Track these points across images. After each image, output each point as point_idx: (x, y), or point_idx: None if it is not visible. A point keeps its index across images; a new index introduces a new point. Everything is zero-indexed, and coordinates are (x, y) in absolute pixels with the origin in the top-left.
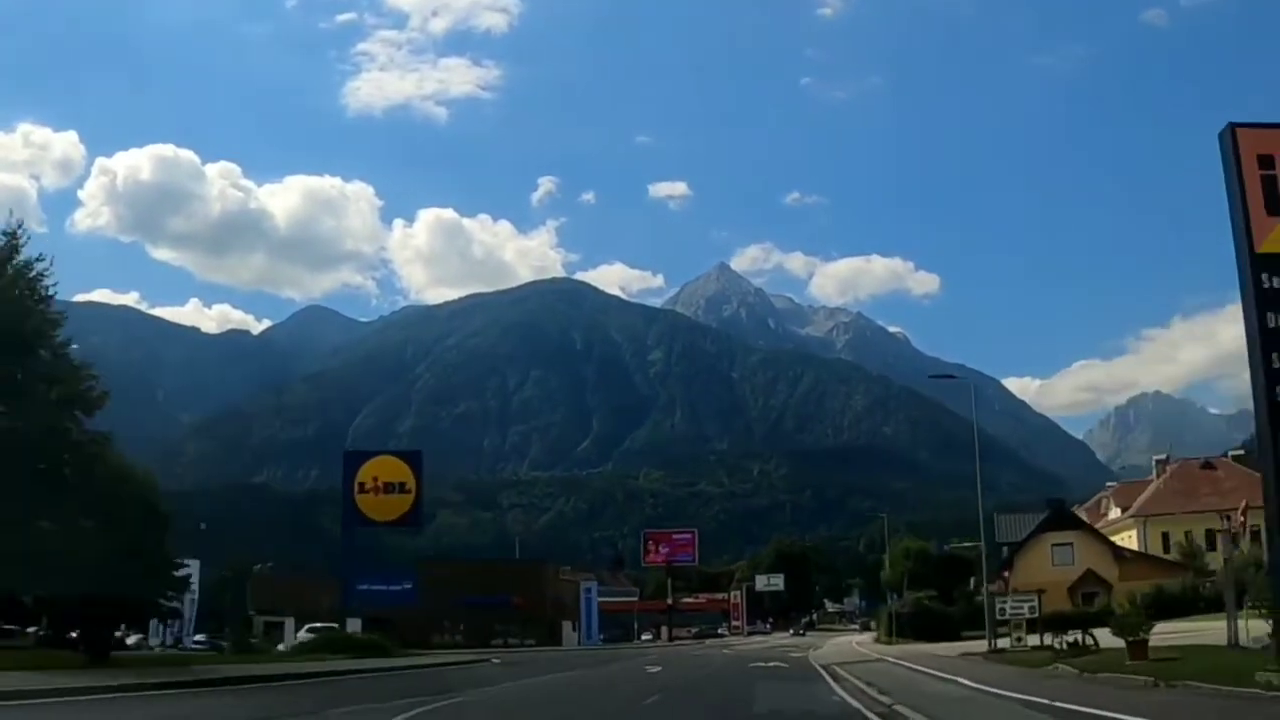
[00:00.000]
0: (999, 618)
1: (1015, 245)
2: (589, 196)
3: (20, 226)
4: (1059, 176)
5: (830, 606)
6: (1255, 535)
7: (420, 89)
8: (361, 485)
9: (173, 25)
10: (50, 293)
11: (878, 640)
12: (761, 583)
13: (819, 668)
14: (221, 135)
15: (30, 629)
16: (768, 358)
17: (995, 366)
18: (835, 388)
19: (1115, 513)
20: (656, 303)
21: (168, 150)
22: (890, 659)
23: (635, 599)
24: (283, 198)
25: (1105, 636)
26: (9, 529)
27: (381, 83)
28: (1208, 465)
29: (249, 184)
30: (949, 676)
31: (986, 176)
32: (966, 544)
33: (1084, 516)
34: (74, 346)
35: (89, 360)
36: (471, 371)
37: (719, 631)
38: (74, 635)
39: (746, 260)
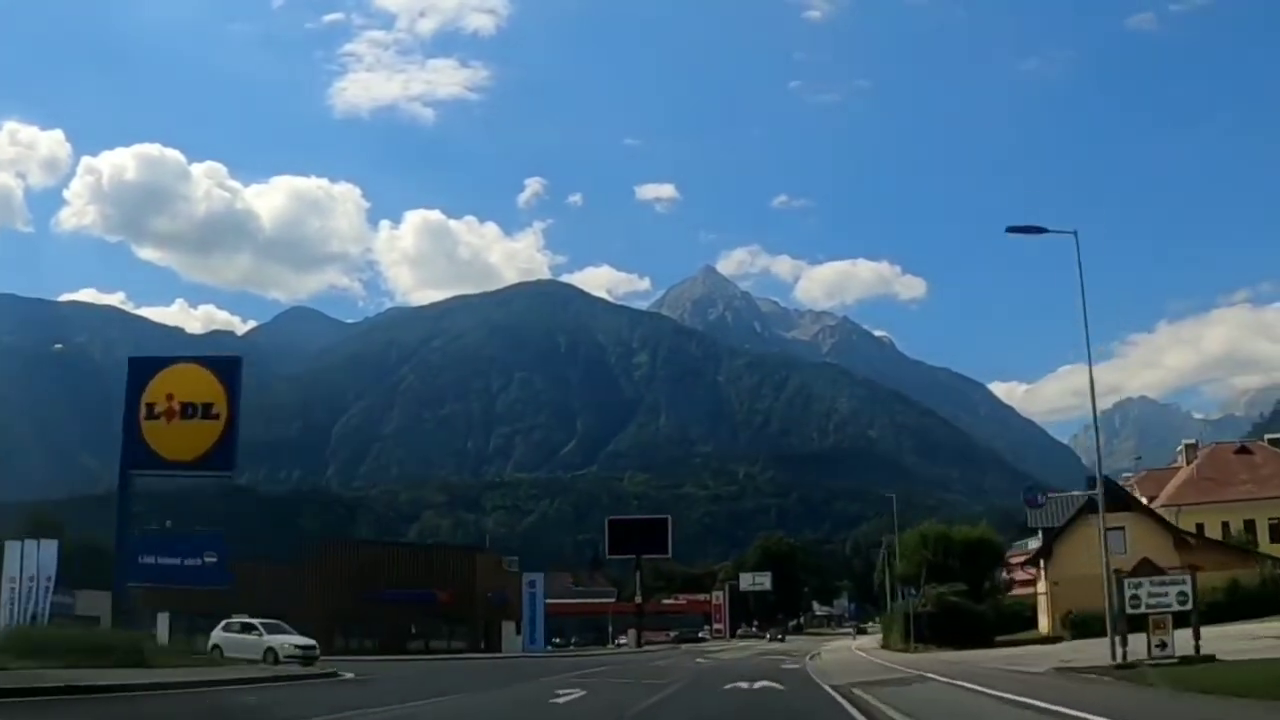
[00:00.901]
0: (1130, 609)
1: (1001, 250)
2: (576, 198)
3: None
4: (1045, 181)
5: (819, 609)
6: None
7: (407, 90)
8: (150, 408)
9: (159, 24)
10: None
11: (886, 646)
12: (746, 582)
13: (832, 692)
14: (207, 135)
15: None
16: (753, 361)
17: (981, 371)
18: (821, 391)
19: (1141, 502)
20: (643, 305)
21: (154, 149)
22: (935, 675)
23: (612, 600)
24: (269, 198)
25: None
26: None
27: (368, 83)
28: (1243, 450)
29: (235, 184)
30: None
31: (973, 180)
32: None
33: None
34: (57, 346)
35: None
36: (456, 373)
37: (699, 635)
38: None
39: (733, 263)
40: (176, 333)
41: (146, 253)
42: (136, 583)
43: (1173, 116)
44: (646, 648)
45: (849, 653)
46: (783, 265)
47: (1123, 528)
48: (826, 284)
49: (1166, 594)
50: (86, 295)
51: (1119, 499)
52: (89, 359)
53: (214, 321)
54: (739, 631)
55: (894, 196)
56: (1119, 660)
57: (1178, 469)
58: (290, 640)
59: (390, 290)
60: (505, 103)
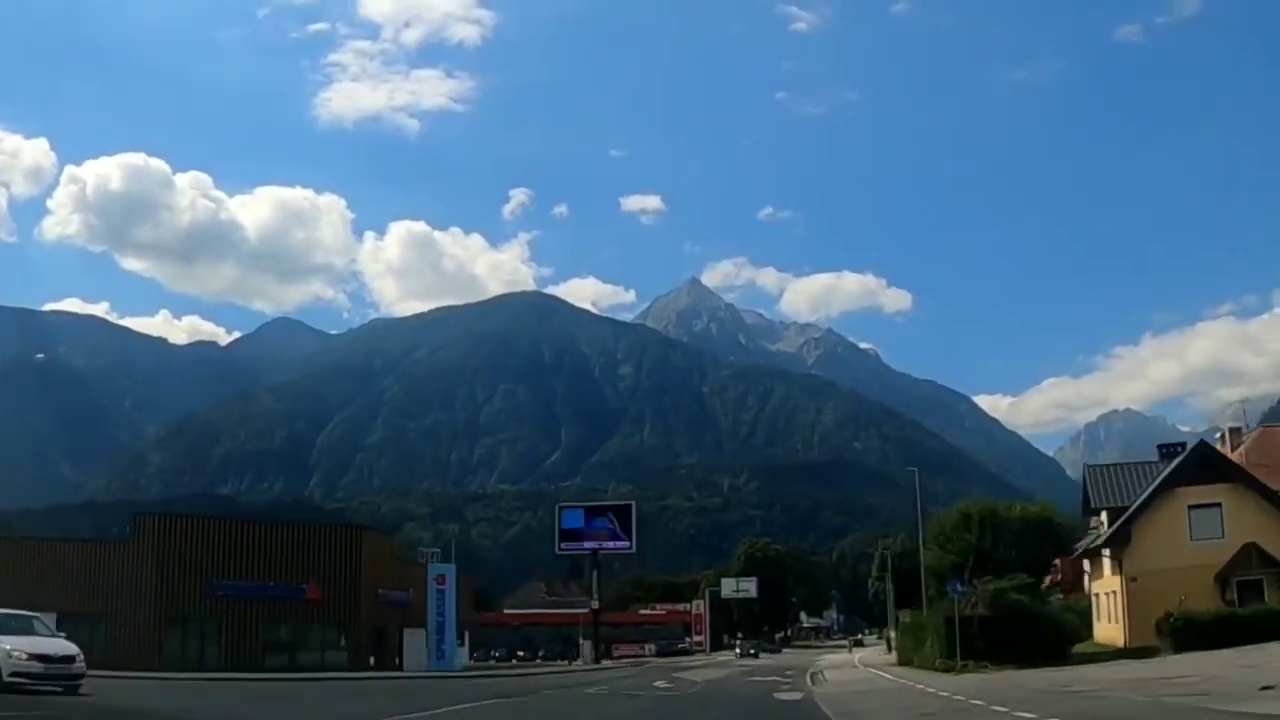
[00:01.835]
0: None
1: (988, 262)
2: (562, 209)
3: None
4: (1033, 194)
5: (806, 621)
6: None
7: (392, 100)
8: None
9: (144, 33)
10: None
11: (907, 662)
12: (729, 588)
13: None
14: (192, 144)
15: None
16: (738, 373)
17: (967, 384)
18: (806, 403)
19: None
20: (628, 317)
21: (138, 159)
22: None
23: (585, 610)
24: (253, 209)
25: None
26: None
27: (353, 93)
28: None
29: (219, 194)
30: None
31: (961, 193)
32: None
33: None
34: (40, 356)
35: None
36: (440, 384)
37: (678, 647)
38: None
39: (719, 275)
40: (160, 343)
41: (130, 263)
42: None
43: (1160, 129)
44: (605, 664)
45: (860, 671)
46: (768, 277)
47: (1219, 504)
48: (812, 296)
49: None
50: (70, 305)
51: (1211, 466)
52: (72, 369)
53: (198, 332)
54: (734, 643)
55: (880, 209)
56: None
57: None
58: (30, 646)
59: (375, 302)
60: (490, 114)
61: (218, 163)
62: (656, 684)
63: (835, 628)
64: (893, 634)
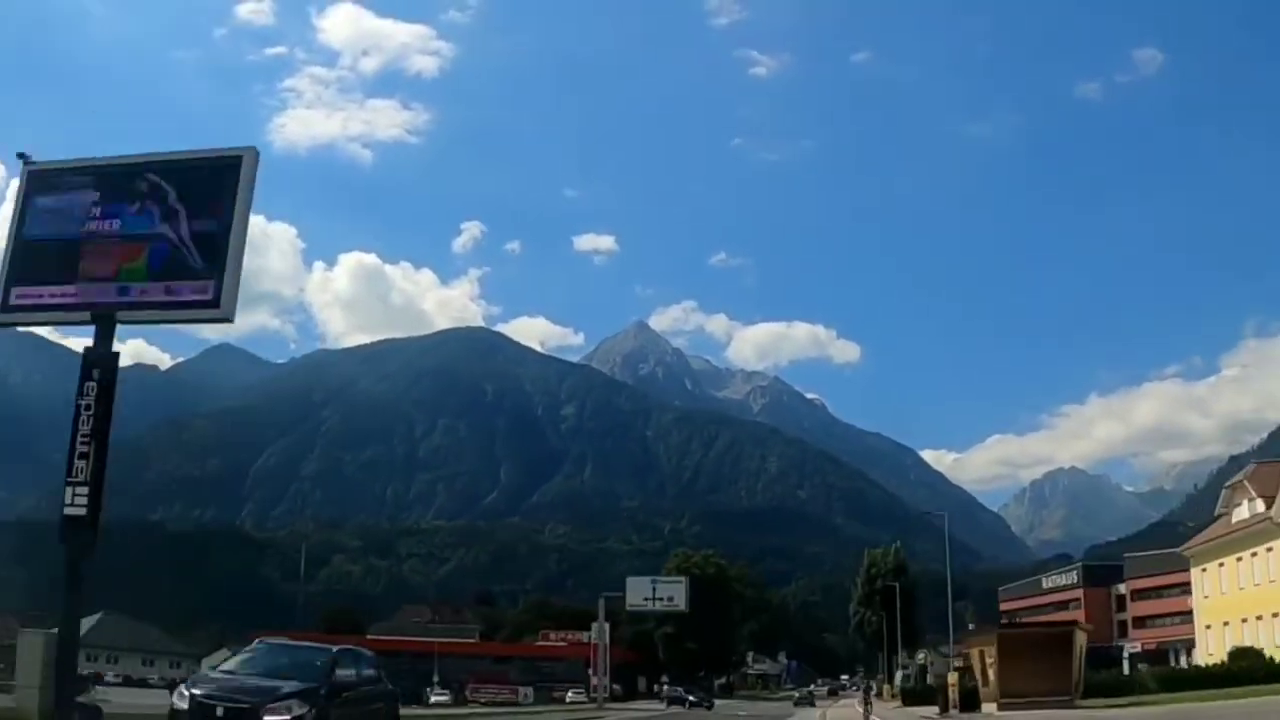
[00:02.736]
0: None
1: (938, 317)
2: (514, 246)
3: None
4: (985, 250)
5: (754, 664)
6: None
7: (346, 129)
8: None
9: (99, 49)
10: None
11: None
12: (638, 593)
13: None
14: None
15: None
16: (682, 417)
17: (913, 438)
18: (750, 450)
19: (1253, 507)
20: (574, 359)
21: None
22: None
23: (474, 640)
24: None
25: None
26: None
27: (308, 120)
28: None
29: None
30: None
31: (913, 247)
32: None
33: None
34: None
35: None
36: (380, 417)
37: (566, 698)
38: None
39: (668, 319)
40: None
41: None
42: None
43: (1114, 189)
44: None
45: None
46: (717, 324)
47: None
48: (760, 345)
49: None
50: None
51: None
52: (5, 385)
53: (140, 355)
54: (662, 690)
55: (832, 260)
56: None
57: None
58: None
59: (322, 334)
60: (445, 147)
61: None
62: None
63: (785, 676)
64: (892, 684)
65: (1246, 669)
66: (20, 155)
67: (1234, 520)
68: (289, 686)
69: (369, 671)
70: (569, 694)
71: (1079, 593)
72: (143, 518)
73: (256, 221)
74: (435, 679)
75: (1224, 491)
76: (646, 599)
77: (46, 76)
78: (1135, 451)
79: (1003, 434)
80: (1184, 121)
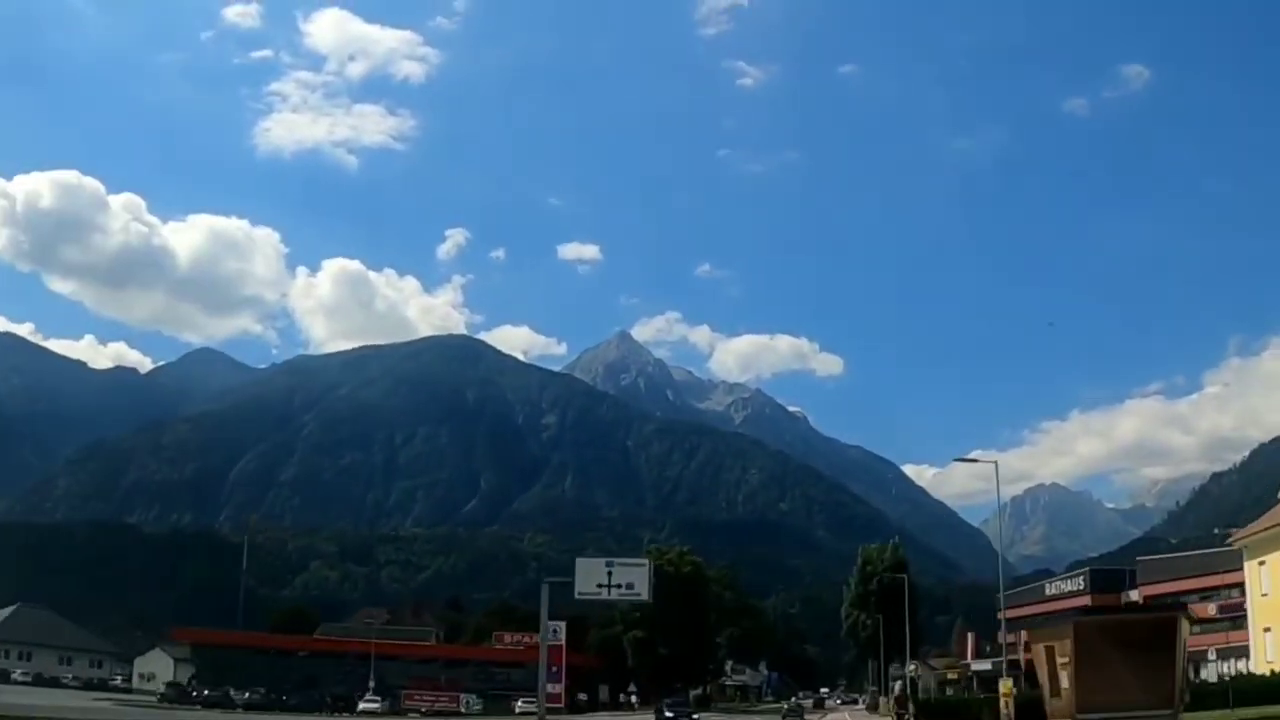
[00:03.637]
0: None
1: (921, 332)
2: (499, 253)
3: None
4: (969, 266)
5: (732, 674)
6: None
7: (332, 134)
8: None
9: (84, 50)
10: None
11: None
12: (589, 579)
13: None
14: (128, 166)
15: None
16: (664, 427)
17: (894, 452)
18: (731, 462)
19: None
20: (556, 368)
21: (71, 176)
22: None
23: (429, 642)
24: (186, 236)
25: None
26: None
27: (293, 125)
28: None
29: (153, 219)
30: None
31: (897, 261)
32: None
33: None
34: None
35: None
36: (360, 424)
37: (516, 708)
38: None
39: (651, 330)
40: (79, 367)
41: (58, 284)
42: None
43: (1099, 205)
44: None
45: None
46: (700, 335)
47: None
48: (743, 356)
49: None
50: None
51: None
52: None
53: (122, 359)
54: (630, 698)
55: (817, 272)
56: None
57: None
58: None
59: (304, 340)
60: (431, 153)
61: (153, 186)
62: None
63: (766, 687)
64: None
65: None
66: None
67: None
68: None
69: None
70: (518, 703)
71: (1087, 599)
72: (121, 520)
73: (240, 225)
74: (371, 684)
75: None
76: (601, 585)
77: (28, 75)
78: (1117, 468)
79: (985, 449)
80: (1170, 138)
